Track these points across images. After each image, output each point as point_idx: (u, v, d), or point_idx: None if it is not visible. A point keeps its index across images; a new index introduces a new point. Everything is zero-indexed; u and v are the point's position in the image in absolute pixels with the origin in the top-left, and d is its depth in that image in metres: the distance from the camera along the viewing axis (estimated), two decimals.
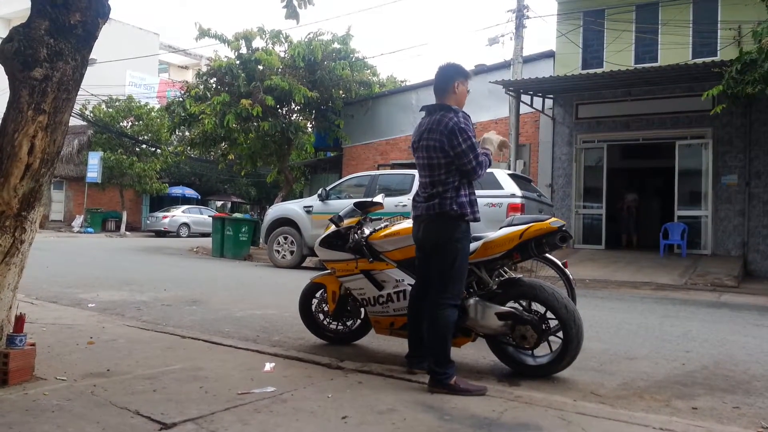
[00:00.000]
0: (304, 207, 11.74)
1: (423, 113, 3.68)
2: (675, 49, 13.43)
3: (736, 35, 12.74)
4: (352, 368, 3.66)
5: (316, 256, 5.00)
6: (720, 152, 13.04)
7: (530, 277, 4.36)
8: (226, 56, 17.51)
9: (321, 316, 4.69)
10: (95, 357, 3.80)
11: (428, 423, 2.74)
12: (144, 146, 26.59)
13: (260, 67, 16.61)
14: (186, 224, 27.24)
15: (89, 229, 25.83)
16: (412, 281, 3.93)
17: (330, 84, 17.44)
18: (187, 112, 17.31)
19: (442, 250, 3.41)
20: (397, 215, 4.89)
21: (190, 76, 31.97)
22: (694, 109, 12.93)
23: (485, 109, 15.91)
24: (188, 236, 26.34)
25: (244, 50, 17.02)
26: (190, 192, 32.44)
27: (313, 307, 4.72)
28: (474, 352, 4.37)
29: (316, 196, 11.73)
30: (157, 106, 27.17)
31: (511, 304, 3.84)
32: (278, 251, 11.97)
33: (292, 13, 4.97)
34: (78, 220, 26.42)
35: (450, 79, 3.56)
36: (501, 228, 3.88)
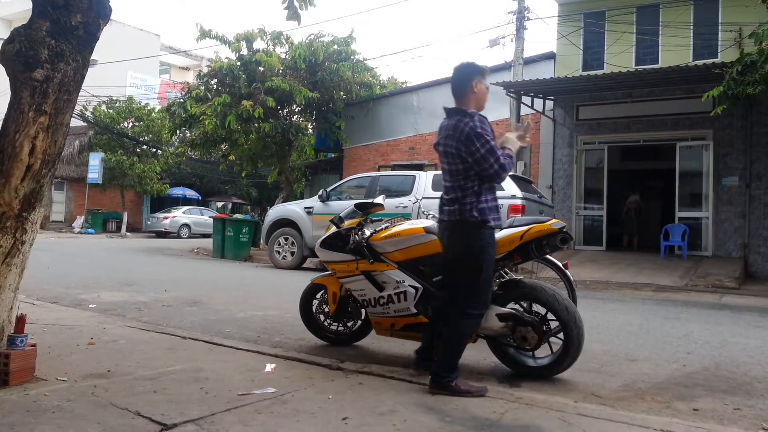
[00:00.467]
0: (305, 208, 11.74)
1: (441, 118, 3.57)
2: (676, 50, 13.44)
3: (737, 37, 12.74)
4: (353, 369, 3.66)
5: (317, 257, 5.00)
6: (721, 154, 13.03)
7: (531, 279, 4.36)
8: (227, 57, 17.53)
9: (322, 317, 4.69)
10: (96, 358, 3.80)
11: (429, 424, 2.74)
12: (145, 147, 26.60)
13: (261, 69, 16.63)
14: (187, 225, 27.23)
15: (90, 230, 25.84)
16: (413, 282, 3.93)
17: (331, 85, 17.45)
18: (188, 113, 17.33)
19: (466, 258, 3.34)
20: (398, 216, 4.89)
21: (191, 78, 32.00)
22: (694, 110, 12.93)
23: (486, 110, 15.47)
24: (189, 237, 26.34)
25: (245, 51, 17.04)
26: (190, 193, 32.45)
27: (314, 308, 4.72)
28: (475, 354, 4.37)
29: (316, 197, 11.73)
30: (158, 107, 27.19)
31: (511, 305, 3.84)
32: (279, 252, 11.96)
33: (293, 15, 4.98)
34: (79, 221, 26.43)
35: (467, 78, 3.44)
36: (502, 229, 3.88)
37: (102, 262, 12.17)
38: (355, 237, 4.16)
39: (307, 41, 17.20)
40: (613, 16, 14.43)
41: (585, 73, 14.20)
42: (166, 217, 26.90)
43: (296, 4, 4.99)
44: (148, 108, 26.41)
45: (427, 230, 4.01)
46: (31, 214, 3.19)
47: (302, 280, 5.57)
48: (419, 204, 7.93)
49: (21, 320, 3.21)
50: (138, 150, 26.36)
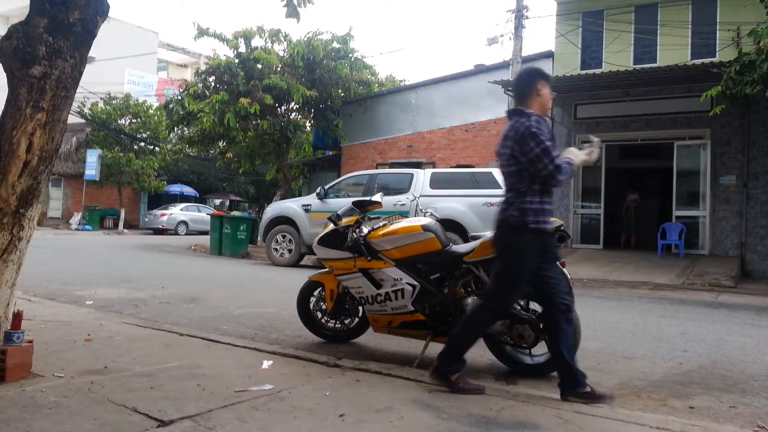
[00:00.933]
0: (303, 205, 11.74)
1: None
2: (674, 49, 13.44)
3: (735, 36, 12.75)
4: (350, 366, 3.66)
5: (315, 254, 5.00)
6: (718, 153, 13.05)
7: None
8: (225, 55, 17.53)
9: (319, 315, 4.70)
10: (93, 354, 3.80)
11: (426, 421, 2.75)
12: (142, 144, 26.55)
13: (259, 66, 16.62)
14: (184, 222, 27.20)
15: (87, 227, 25.80)
16: (411, 280, 3.93)
17: (329, 83, 17.45)
18: (185, 111, 17.31)
19: (503, 257, 3.37)
20: (396, 214, 4.90)
21: (188, 75, 31.98)
22: (692, 109, 12.94)
23: (484, 108, 15.92)
24: (186, 234, 26.31)
25: (243, 49, 17.01)
26: (188, 190, 32.40)
27: (311, 305, 4.72)
28: (472, 351, 4.35)
29: (314, 194, 11.73)
30: (156, 104, 27.14)
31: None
32: (276, 249, 11.96)
33: (292, 12, 4.98)
34: (76, 218, 26.38)
35: (532, 81, 3.43)
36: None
37: (99, 258, 12.15)
38: (353, 234, 4.16)
39: (305, 39, 17.17)
40: (612, 15, 14.43)
41: (583, 72, 14.20)
42: (164, 214, 26.87)
43: (295, 1, 4.99)
44: (146, 105, 26.36)
45: (425, 228, 4.02)
46: (28, 211, 3.19)
47: (300, 277, 5.57)
48: (417, 202, 7.93)
49: (18, 316, 3.21)
50: (135, 147, 26.32)
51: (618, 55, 13.97)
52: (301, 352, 4.06)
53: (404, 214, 7.42)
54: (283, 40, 17.39)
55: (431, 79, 17.75)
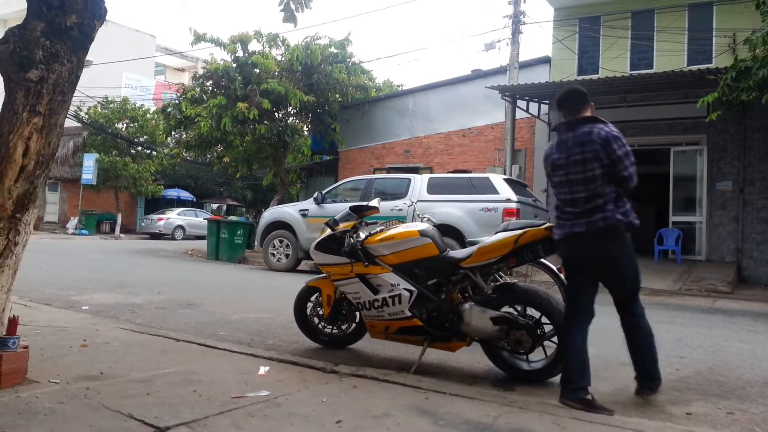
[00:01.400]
0: (300, 210, 11.72)
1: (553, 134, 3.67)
2: (670, 56, 13.50)
3: (731, 43, 12.82)
4: (347, 372, 3.65)
5: (312, 259, 5.00)
6: (714, 159, 13.10)
7: (525, 282, 4.36)
8: (222, 59, 17.52)
9: (316, 320, 4.69)
10: (89, 360, 3.78)
11: (422, 428, 2.74)
12: (139, 148, 26.52)
13: (257, 71, 16.63)
14: (181, 227, 27.16)
15: (84, 231, 25.72)
16: (408, 285, 3.93)
17: (326, 88, 17.46)
18: (183, 115, 17.30)
19: (620, 263, 3.43)
20: (393, 219, 4.89)
21: (186, 79, 31.94)
22: (689, 115, 12.98)
23: (482, 114, 15.96)
24: (183, 239, 26.25)
25: (240, 53, 17.02)
26: (185, 194, 32.36)
27: (308, 310, 4.71)
28: (469, 357, 4.37)
29: (311, 199, 11.72)
30: (153, 108, 27.13)
31: (506, 308, 3.85)
32: (273, 254, 11.94)
33: (289, 17, 4.99)
34: (73, 222, 26.31)
35: (585, 98, 3.62)
36: (496, 233, 3.88)
37: (95, 263, 12.12)
38: (350, 240, 4.16)
39: (303, 43, 17.20)
40: (609, 21, 14.49)
41: (580, 78, 14.23)
42: (161, 219, 26.83)
43: (292, 6, 4.99)
44: (143, 109, 26.34)
45: (422, 233, 4.02)
46: (24, 216, 3.17)
47: (297, 282, 5.56)
48: (414, 207, 7.95)
49: (13, 322, 3.19)
50: (132, 151, 26.29)
51: (615, 61, 14.02)
52: (298, 358, 4.05)
53: (401, 219, 7.42)
54: (280, 44, 17.42)
55: (428, 84, 17.79)
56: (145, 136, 26.35)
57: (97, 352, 4.03)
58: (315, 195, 11.61)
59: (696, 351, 5.07)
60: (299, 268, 11.93)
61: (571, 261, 3.54)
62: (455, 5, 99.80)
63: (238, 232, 14.31)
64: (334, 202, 11.28)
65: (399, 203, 10.13)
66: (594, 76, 13.49)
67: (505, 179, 10.09)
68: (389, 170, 16.81)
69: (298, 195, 22.88)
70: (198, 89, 17.90)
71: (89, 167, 24.41)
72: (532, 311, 3.86)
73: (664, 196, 14.44)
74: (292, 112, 18.36)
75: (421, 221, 4.60)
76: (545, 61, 15.56)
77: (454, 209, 9.79)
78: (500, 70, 15.41)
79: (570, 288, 3.62)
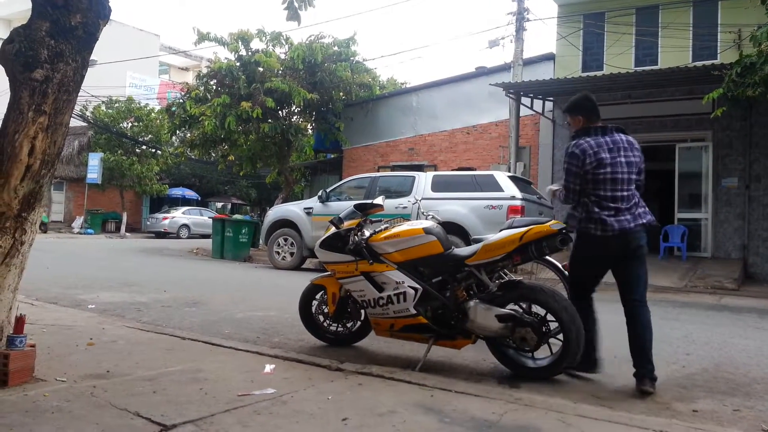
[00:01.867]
0: (305, 209, 11.73)
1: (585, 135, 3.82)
2: (675, 52, 13.44)
3: (736, 38, 12.75)
4: (352, 370, 3.66)
5: (316, 257, 5.00)
6: (720, 155, 13.04)
7: (530, 280, 4.36)
8: (226, 58, 17.54)
9: (321, 318, 4.69)
10: (95, 358, 3.80)
11: (428, 425, 2.74)
12: (144, 147, 26.58)
13: (260, 69, 16.64)
14: (186, 225, 27.22)
15: (89, 230, 25.82)
16: (413, 283, 3.93)
17: (330, 86, 17.45)
18: (187, 114, 17.33)
19: (645, 256, 3.80)
20: (398, 217, 4.89)
21: (190, 78, 31.97)
22: (694, 111, 12.92)
23: (486, 111, 15.93)
24: (188, 237, 26.32)
25: (243, 52, 17.03)
26: (190, 193, 32.43)
27: (313, 308, 4.72)
28: (474, 354, 4.37)
29: (316, 197, 11.73)
30: (158, 108, 27.18)
31: (511, 306, 3.84)
32: (278, 253, 11.96)
33: (293, 15, 4.99)
34: (78, 221, 26.42)
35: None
36: (501, 230, 3.88)
37: (101, 262, 12.16)
38: (355, 238, 4.16)
39: (307, 42, 17.20)
40: (613, 17, 14.43)
41: (584, 74, 14.20)
42: (166, 218, 26.89)
43: (296, 4, 4.99)
44: (148, 108, 26.40)
45: (427, 231, 4.02)
46: (30, 215, 3.19)
47: (302, 280, 5.57)
48: (419, 205, 7.91)
49: (20, 321, 3.21)
50: (137, 150, 26.35)
51: (619, 58, 13.97)
52: (304, 356, 4.06)
53: (406, 217, 7.41)
54: (284, 43, 17.42)
55: (432, 81, 17.76)
56: (149, 136, 26.40)
57: (103, 350, 4.04)
58: (319, 193, 11.61)
59: (702, 348, 5.06)
60: (304, 266, 11.94)
61: (608, 254, 3.76)
62: (459, 3, 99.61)
63: (243, 231, 14.33)
64: (339, 200, 11.28)
65: (403, 201, 10.12)
66: (598, 73, 13.44)
67: (509, 176, 10.07)
68: (393, 168, 16.79)
69: (302, 193, 22.90)
70: (202, 88, 17.93)
71: (94, 166, 24.48)
72: (537, 308, 3.86)
73: (669, 193, 14.39)
74: (296, 111, 18.36)
75: (426, 219, 4.59)
76: (549, 57, 15.51)
77: (458, 207, 9.78)
78: (504, 68, 15.37)
79: (588, 280, 4.01)
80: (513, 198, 9.33)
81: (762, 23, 9.61)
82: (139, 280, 8.87)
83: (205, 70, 18.61)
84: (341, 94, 18.15)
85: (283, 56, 17.44)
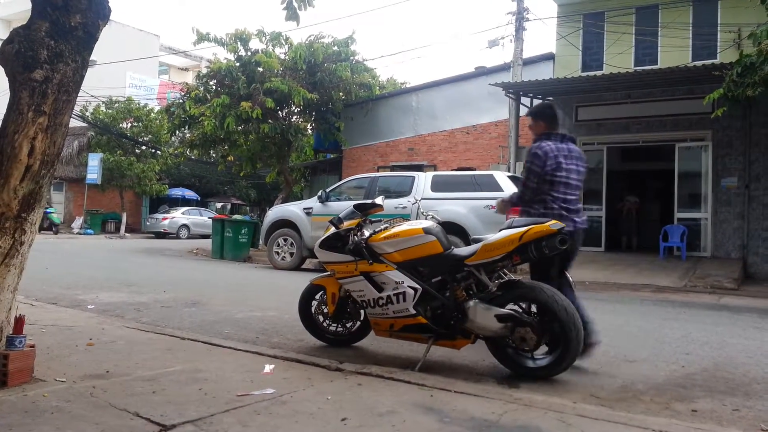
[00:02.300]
0: (304, 209, 11.73)
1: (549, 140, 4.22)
2: (675, 51, 13.44)
3: (736, 38, 12.75)
4: (352, 370, 3.66)
5: (316, 257, 5.01)
6: (720, 155, 13.04)
7: (530, 279, 4.36)
8: (225, 58, 17.54)
9: (321, 318, 4.69)
10: (95, 358, 3.80)
11: (428, 425, 2.74)
12: (144, 148, 26.57)
13: (260, 69, 16.64)
14: (186, 226, 27.21)
15: (89, 231, 25.81)
16: (412, 283, 3.93)
17: (330, 86, 17.46)
18: (187, 114, 17.33)
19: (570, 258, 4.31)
20: (397, 217, 4.89)
21: (190, 78, 32.00)
22: (693, 111, 12.93)
23: (485, 111, 15.93)
24: (188, 238, 26.31)
25: (242, 52, 17.04)
26: (190, 193, 32.42)
27: (313, 308, 4.72)
28: (473, 354, 4.37)
29: (315, 197, 11.73)
30: (157, 108, 27.17)
31: (510, 306, 3.84)
32: (278, 253, 11.96)
33: (292, 15, 4.98)
34: (78, 222, 26.41)
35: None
36: (500, 230, 3.88)
37: (101, 262, 12.16)
38: (354, 238, 4.16)
39: (306, 42, 17.20)
40: (613, 17, 14.44)
41: (584, 74, 14.20)
42: (165, 218, 26.88)
43: (295, 4, 4.99)
44: (147, 108, 26.39)
45: (426, 231, 4.02)
46: (30, 215, 3.19)
47: (301, 280, 5.57)
48: (418, 205, 7.90)
49: (20, 321, 3.21)
50: (137, 150, 26.34)
51: (619, 57, 13.97)
52: (303, 356, 4.06)
53: (405, 217, 7.41)
54: (284, 43, 17.42)
55: (432, 81, 17.77)
56: (149, 136, 26.39)
57: (103, 350, 4.05)
58: (319, 193, 11.62)
59: (701, 348, 5.06)
60: (304, 266, 11.94)
61: (571, 250, 4.10)
62: (458, 2, 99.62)
63: (243, 231, 14.33)
64: (338, 200, 11.29)
65: (403, 201, 10.13)
66: (598, 72, 13.44)
67: (509, 176, 10.08)
68: (393, 168, 16.80)
69: (302, 193, 22.91)
70: (202, 88, 17.93)
71: (94, 167, 24.47)
72: (536, 308, 3.86)
73: (668, 193, 14.40)
74: (295, 111, 18.36)
75: (426, 219, 4.59)
76: (549, 57, 15.51)
77: (458, 207, 9.78)
78: (504, 67, 15.37)
79: (552, 272, 4.18)
80: None
81: (762, 22, 9.61)
82: (139, 280, 8.87)
83: (204, 71, 18.61)
84: (341, 94, 18.15)
85: (282, 56, 17.44)
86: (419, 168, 15.43)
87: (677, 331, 5.81)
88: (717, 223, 12.97)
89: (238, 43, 16.90)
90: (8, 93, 3.18)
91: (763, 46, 9.06)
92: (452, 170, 14.01)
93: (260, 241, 13.63)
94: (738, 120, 12.69)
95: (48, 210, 23.95)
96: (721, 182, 12.98)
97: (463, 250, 4.00)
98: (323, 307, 4.64)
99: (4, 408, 2.75)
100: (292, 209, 12.12)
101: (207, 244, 16.94)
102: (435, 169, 15.68)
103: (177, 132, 19.73)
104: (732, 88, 9.61)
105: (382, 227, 4.28)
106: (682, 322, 6.51)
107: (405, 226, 4.17)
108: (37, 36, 3.12)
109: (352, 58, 17.94)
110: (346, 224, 4.26)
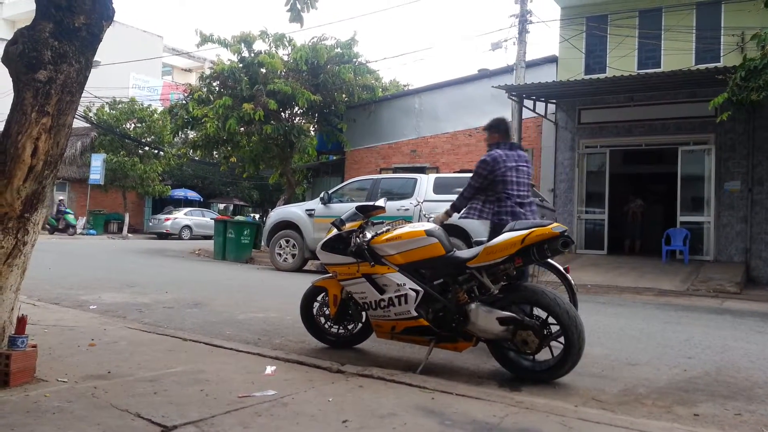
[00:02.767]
0: (307, 210, 11.74)
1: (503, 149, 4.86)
2: (678, 54, 13.43)
3: (740, 41, 12.74)
4: (353, 372, 3.65)
5: (318, 259, 5.01)
6: (723, 158, 13.02)
7: (532, 282, 4.36)
8: (228, 60, 17.57)
9: (322, 320, 4.69)
10: (96, 359, 3.80)
11: (429, 428, 2.74)
12: (147, 148, 26.62)
13: (263, 71, 16.66)
14: (188, 227, 27.24)
15: (92, 231, 25.85)
16: (414, 285, 3.92)
17: (333, 88, 17.47)
18: (190, 115, 17.36)
19: None
20: (399, 219, 4.89)
21: (193, 79, 32.06)
22: (696, 115, 12.92)
23: (488, 113, 15.75)
24: (190, 239, 26.34)
25: (245, 54, 17.06)
26: (192, 194, 32.46)
27: (315, 310, 4.71)
28: (475, 357, 4.37)
29: (318, 199, 11.73)
30: (161, 109, 27.22)
31: (512, 309, 3.84)
32: (280, 254, 11.96)
33: (296, 17, 4.99)
34: (80, 222, 26.45)
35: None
36: (503, 233, 3.87)
37: (103, 263, 12.18)
38: (357, 239, 4.16)
39: (310, 44, 17.22)
40: (616, 20, 14.43)
41: (587, 77, 14.19)
42: (168, 219, 26.91)
43: (299, 6, 5.00)
44: (151, 109, 26.44)
45: (428, 233, 4.02)
46: (33, 215, 3.19)
47: (303, 282, 5.57)
48: (421, 207, 7.90)
49: (22, 321, 3.21)
50: (140, 151, 26.39)
51: (622, 60, 13.97)
52: (305, 358, 4.06)
53: (408, 219, 7.41)
54: (287, 44, 17.44)
55: (435, 83, 17.77)
56: (152, 137, 26.44)
57: (104, 351, 4.05)
58: (321, 195, 11.62)
59: (704, 352, 5.05)
60: (306, 267, 11.95)
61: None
62: (462, 5, 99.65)
63: (245, 232, 14.34)
64: (341, 201, 11.29)
65: (405, 203, 10.12)
66: (601, 75, 13.44)
67: None
68: (395, 170, 16.81)
69: (304, 195, 22.92)
70: (205, 90, 17.96)
71: (97, 167, 24.52)
72: (538, 311, 3.85)
73: (671, 196, 14.37)
74: (298, 113, 18.38)
75: (428, 221, 4.59)
76: (552, 60, 15.51)
77: None
78: (507, 70, 15.37)
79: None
80: None
81: (766, 25, 9.60)
82: (141, 281, 8.88)
83: (208, 72, 18.65)
84: (344, 95, 18.17)
85: (286, 58, 17.46)
86: (421, 170, 15.43)
87: (679, 335, 5.80)
88: (720, 226, 12.95)
89: (242, 45, 16.93)
90: (12, 93, 3.19)
91: (767, 50, 9.05)
92: (454, 172, 13.99)
93: (262, 243, 13.64)
94: (741, 123, 12.67)
95: (66, 211, 24.03)
96: (724, 186, 12.96)
97: (465, 253, 4.00)
98: (325, 308, 4.64)
99: (5, 408, 2.76)
100: (295, 211, 12.13)
101: (209, 245, 16.97)
102: (437, 172, 15.68)
103: (180, 133, 19.76)
104: (736, 92, 9.59)
105: (385, 229, 4.28)
106: (685, 325, 6.50)
107: (407, 228, 4.17)
108: (41, 37, 3.13)
109: (355, 60, 17.96)
110: (348, 226, 4.26)
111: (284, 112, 17.75)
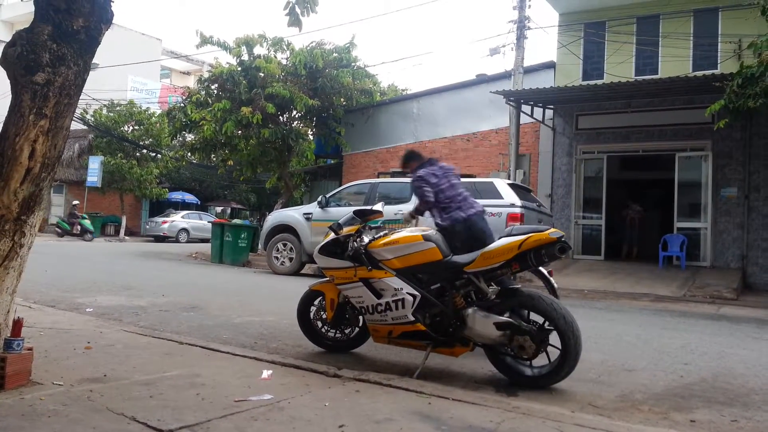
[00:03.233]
0: (304, 214, 11.73)
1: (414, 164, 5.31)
2: (675, 61, 13.48)
3: (737, 48, 12.79)
4: (350, 376, 3.65)
5: (315, 263, 5.00)
6: (719, 165, 13.06)
7: (528, 288, 4.35)
8: (227, 63, 17.58)
9: (319, 324, 4.68)
10: (92, 362, 3.79)
11: None
12: (144, 151, 26.58)
13: (261, 74, 16.67)
14: (185, 230, 27.19)
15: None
16: (411, 290, 3.93)
17: (331, 92, 17.48)
18: (188, 118, 17.35)
19: (486, 238, 4.77)
20: (397, 223, 4.90)
21: (191, 82, 32.05)
22: (694, 121, 12.96)
23: (486, 118, 15.95)
24: (187, 242, 26.29)
25: (246, 57, 17.08)
26: (189, 197, 32.41)
27: (312, 314, 4.71)
28: (472, 362, 4.36)
29: (315, 203, 11.72)
30: (159, 112, 27.19)
31: (509, 314, 3.84)
32: (277, 258, 11.95)
33: (294, 21, 4.99)
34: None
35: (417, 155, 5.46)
36: (500, 238, 3.88)
37: (100, 265, 12.14)
38: (354, 244, 4.16)
39: (308, 48, 17.24)
40: (614, 26, 14.48)
41: (585, 83, 14.23)
42: (165, 222, 26.86)
43: (298, 10, 5.00)
44: (148, 112, 26.42)
45: (426, 238, 4.02)
46: (29, 218, 3.19)
47: (300, 286, 5.57)
48: None
49: (18, 324, 3.20)
50: (138, 154, 26.36)
51: (619, 66, 14.01)
52: (301, 362, 4.05)
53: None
54: (285, 48, 17.46)
55: (433, 88, 17.79)
56: (150, 139, 26.41)
57: (100, 354, 4.04)
58: (319, 199, 11.61)
59: (700, 358, 5.05)
60: (303, 271, 11.93)
61: (461, 234, 4.74)
62: (460, 10, 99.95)
63: (242, 236, 14.32)
64: (338, 205, 11.28)
65: (403, 207, 10.09)
66: (599, 81, 13.46)
67: (509, 184, 10.07)
68: (393, 174, 16.75)
69: (302, 198, 22.90)
70: (203, 93, 17.96)
71: (94, 170, 24.47)
72: (535, 316, 3.86)
73: (668, 202, 14.40)
74: (296, 116, 18.39)
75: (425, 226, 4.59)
76: (550, 66, 15.54)
77: None
78: (505, 75, 15.39)
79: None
80: (512, 205, 9.32)
81: (762, 33, 9.64)
82: (138, 283, 8.86)
83: (206, 75, 18.64)
84: (342, 100, 18.17)
85: (284, 62, 17.47)
86: None
87: (676, 341, 5.81)
88: (716, 232, 12.97)
89: (243, 47, 16.94)
90: (10, 96, 3.18)
91: (763, 57, 9.09)
92: None
93: (259, 246, 13.62)
94: (738, 130, 12.71)
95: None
96: (720, 192, 12.99)
97: (462, 258, 4.00)
98: (322, 312, 4.64)
99: (1, 411, 2.74)
100: (292, 214, 12.12)
101: (206, 248, 16.93)
102: None
103: (178, 136, 19.73)
104: (733, 99, 9.63)
105: (382, 233, 4.28)
106: (681, 331, 6.51)
107: (404, 233, 4.17)
108: (40, 39, 3.13)
109: (353, 64, 17.98)
110: (345, 230, 4.27)
111: (282, 116, 17.75)
